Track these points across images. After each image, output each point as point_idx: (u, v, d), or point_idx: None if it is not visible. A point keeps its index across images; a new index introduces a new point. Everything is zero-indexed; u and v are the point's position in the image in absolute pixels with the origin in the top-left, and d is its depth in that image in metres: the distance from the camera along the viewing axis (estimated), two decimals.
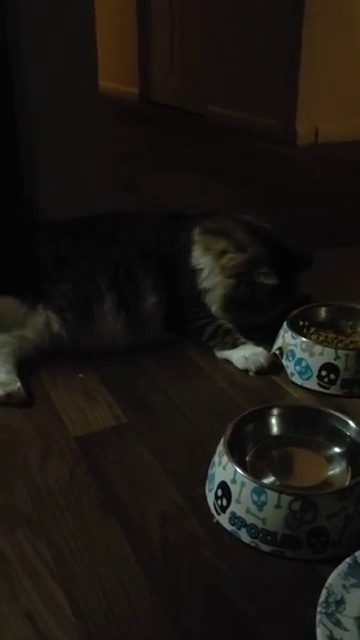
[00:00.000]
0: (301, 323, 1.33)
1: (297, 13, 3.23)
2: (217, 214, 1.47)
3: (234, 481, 0.88)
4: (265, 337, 1.34)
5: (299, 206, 2.42)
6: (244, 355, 1.29)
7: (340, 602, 0.72)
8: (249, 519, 0.86)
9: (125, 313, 1.33)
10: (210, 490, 0.94)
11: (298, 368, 1.24)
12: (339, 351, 1.20)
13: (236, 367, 1.30)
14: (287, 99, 3.43)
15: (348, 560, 0.77)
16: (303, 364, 1.23)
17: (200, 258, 1.36)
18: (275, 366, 1.28)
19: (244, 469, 0.89)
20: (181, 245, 1.38)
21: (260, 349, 1.30)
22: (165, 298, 1.35)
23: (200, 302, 1.36)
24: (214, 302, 1.35)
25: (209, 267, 1.35)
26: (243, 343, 1.31)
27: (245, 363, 1.28)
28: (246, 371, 1.28)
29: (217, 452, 0.95)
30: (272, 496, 0.84)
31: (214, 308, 1.36)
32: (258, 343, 1.32)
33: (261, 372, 1.27)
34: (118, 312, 1.33)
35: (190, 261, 1.36)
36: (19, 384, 1.19)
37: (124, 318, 1.33)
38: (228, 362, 1.32)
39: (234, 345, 1.31)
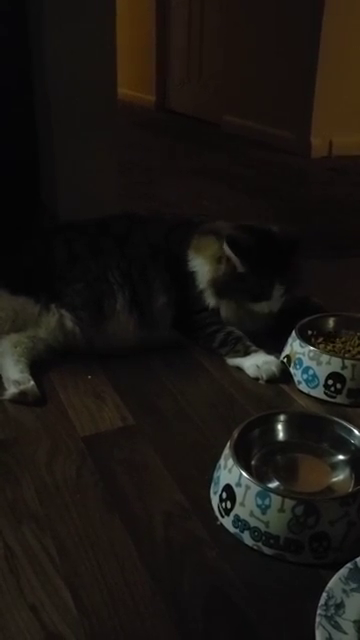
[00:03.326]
0: (309, 332, 1.35)
1: (314, 27, 3.25)
2: (220, 221, 1.48)
3: (239, 484, 0.89)
4: (274, 345, 1.35)
5: (312, 218, 2.43)
6: (256, 363, 1.30)
7: (340, 606, 0.73)
8: (252, 522, 0.87)
9: (137, 312, 1.35)
10: (215, 492, 0.95)
11: (305, 376, 1.25)
12: (346, 361, 1.21)
13: (244, 373, 1.31)
14: (302, 111, 3.45)
15: (349, 565, 0.78)
16: (310, 373, 1.24)
17: (194, 260, 1.38)
18: (286, 375, 1.30)
19: (249, 473, 0.90)
20: (182, 248, 1.40)
21: (272, 357, 1.31)
22: (174, 299, 1.37)
23: (206, 306, 1.37)
24: (208, 293, 1.36)
25: (202, 266, 1.37)
26: (255, 351, 1.33)
27: (257, 371, 1.29)
28: (257, 379, 1.29)
29: (223, 455, 0.96)
30: (276, 500, 0.85)
31: (211, 300, 1.36)
32: (268, 351, 1.33)
33: (272, 380, 1.29)
34: (130, 311, 1.35)
35: (187, 264, 1.38)
36: (32, 382, 1.21)
37: (136, 316, 1.35)
38: (235, 368, 1.33)
39: (246, 353, 1.33)
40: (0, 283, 1.34)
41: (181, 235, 1.43)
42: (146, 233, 1.43)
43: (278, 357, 1.33)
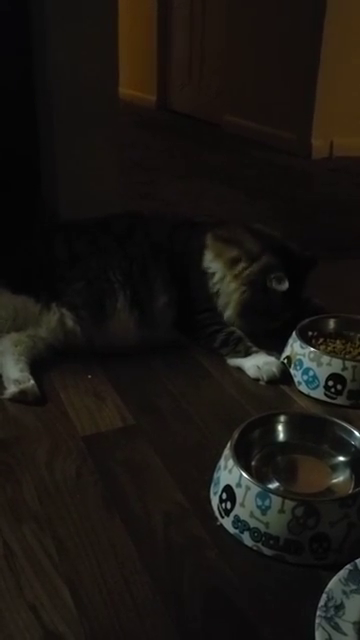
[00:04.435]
0: (310, 333, 1.35)
1: (316, 28, 3.26)
2: (228, 223, 1.49)
3: (239, 485, 0.89)
4: (275, 345, 1.35)
5: (312, 218, 2.43)
6: (256, 364, 1.30)
7: (339, 607, 0.73)
8: (252, 523, 0.87)
9: (138, 311, 1.35)
10: (215, 493, 0.95)
11: (305, 377, 1.25)
12: (347, 362, 1.21)
13: (245, 374, 1.31)
14: (303, 112, 3.45)
15: (349, 566, 0.78)
16: (310, 374, 1.24)
17: (211, 262, 1.39)
18: (287, 375, 1.30)
19: (249, 474, 0.90)
20: (193, 248, 1.40)
21: (272, 358, 1.31)
22: (175, 299, 1.37)
23: (211, 307, 1.38)
24: (229, 308, 1.37)
25: (220, 273, 1.38)
26: (256, 352, 1.33)
27: (257, 372, 1.29)
28: (257, 380, 1.30)
29: (223, 456, 0.96)
30: (276, 501, 0.85)
31: (228, 313, 1.38)
32: (269, 352, 1.33)
33: (273, 381, 1.29)
34: (131, 310, 1.35)
35: (201, 264, 1.39)
36: (33, 382, 1.21)
37: (137, 316, 1.35)
38: (236, 368, 1.34)
39: (247, 353, 1.33)
40: (1, 282, 1.34)
41: (186, 234, 1.43)
42: (148, 232, 1.43)
43: (278, 358, 1.33)
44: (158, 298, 1.37)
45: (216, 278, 1.38)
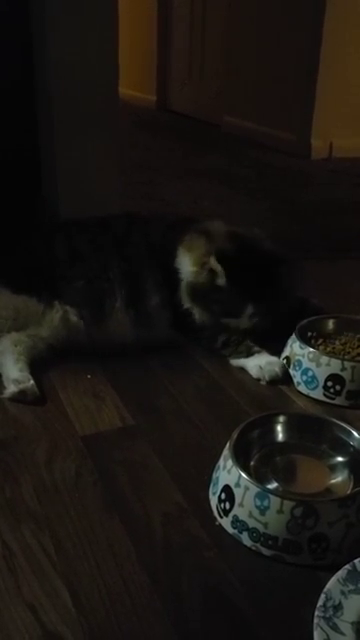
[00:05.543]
0: (309, 334, 1.35)
1: (315, 28, 3.26)
2: (217, 221, 1.47)
3: (238, 485, 0.89)
4: (274, 346, 1.35)
5: (312, 219, 2.43)
6: (259, 364, 1.30)
7: (338, 607, 0.73)
8: (251, 523, 0.87)
9: (133, 310, 1.35)
10: (214, 493, 0.95)
11: (304, 378, 1.26)
12: (345, 362, 1.22)
13: (243, 373, 1.31)
14: (303, 113, 3.45)
15: (347, 567, 0.78)
16: (309, 374, 1.25)
17: (181, 257, 1.37)
18: (289, 376, 1.30)
19: (248, 474, 0.90)
20: (175, 245, 1.39)
21: (275, 358, 1.32)
22: (167, 299, 1.37)
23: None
24: (183, 291, 1.36)
25: (186, 265, 1.36)
26: (258, 352, 1.33)
27: (260, 372, 1.29)
28: (258, 379, 1.30)
29: (222, 456, 0.96)
30: (275, 501, 0.85)
31: (186, 302, 1.36)
32: (271, 352, 1.33)
33: (275, 381, 1.29)
34: (127, 309, 1.35)
35: (175, 261, 1.37)
36: (32, 382, 1.21)
37: (132, 315, 1.35)
38: (235, 368, 1.34)
39: (249, 353, 1.33)
40: (1, 282, 1.34)
41: (178, 233, 1.42)
42: (145, 232, 1.44)
43: (279, 358, 1.33)
44: (151, 298, 1.36)
45: (184, 272, 1.36)
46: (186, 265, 1.36)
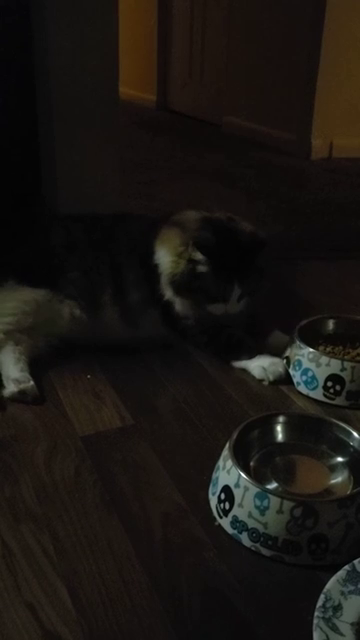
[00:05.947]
0: (309, 334, 1.34)
1: (316, 28, 3.25)
2: (189, 210, 1.45)
3: (237, 485, 0.89)
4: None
5: (312, 219, 2.43)
6: (262, 365, 1.30)
7: (337, 608, 0.73)
8: (251, 523, 0.87)
9: (118, 306, 1.36)
10: (213, 493, 0.95)
11: (304, 378, 1.25)
12: (345, 363, 1.21)
13: (243, 373, 1.31)
14: (303, 113, 3.45)
15: (347, 567, 0.78)
16: (309, 374, 1.24)
17: (158, 252, 1.35)
18: (289, 376, 1.29)
19: (248, 474, 0.90)
20: (152, 241, 1.37)
21: (277, 359, 1.31)
22: (148, 296, 1.35)
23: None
24: (165, 286, 1.34)
25: (163, 258, 1.34)
26: (259, 352, 1.33)
27: (263, 373, 1.29)
28: (261, 380, 1.29)
29: (222, 456, 0.96)
30: (274, 501, 0.85)
31: (167, 293, 1.34)
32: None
33: (279, 381, 1.29)
34: (113, 304, 1.36)
35: (153, 257, 1.36)
36: (32, 382, 1.21)
37: (118, 311, 1.36)
38: (234, 368, 1.34)
39: (251, 355, 1.33)
40: (15, 278, 1.34)
41: (156, 230, 1.40)
42: (129, 228, 1.44)
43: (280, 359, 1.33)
44: (132, 294, 1.36)
45: (162, 266, 1.34)
46: (163, 257, 1.34)
